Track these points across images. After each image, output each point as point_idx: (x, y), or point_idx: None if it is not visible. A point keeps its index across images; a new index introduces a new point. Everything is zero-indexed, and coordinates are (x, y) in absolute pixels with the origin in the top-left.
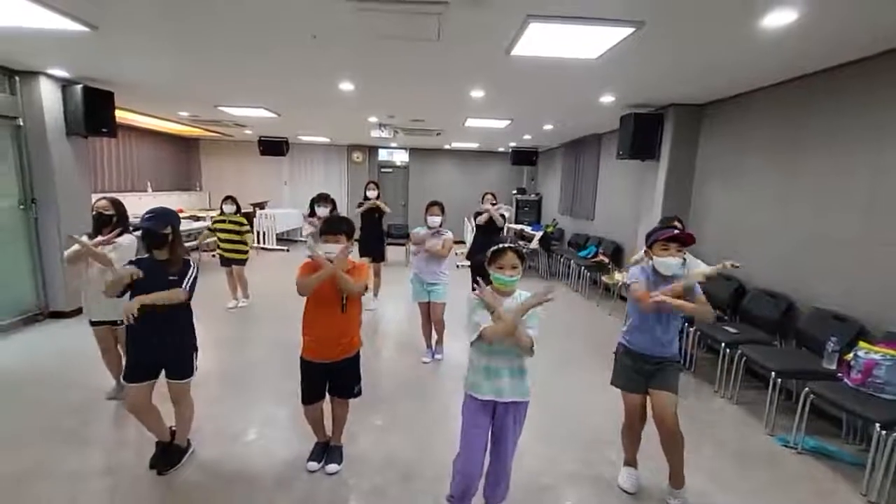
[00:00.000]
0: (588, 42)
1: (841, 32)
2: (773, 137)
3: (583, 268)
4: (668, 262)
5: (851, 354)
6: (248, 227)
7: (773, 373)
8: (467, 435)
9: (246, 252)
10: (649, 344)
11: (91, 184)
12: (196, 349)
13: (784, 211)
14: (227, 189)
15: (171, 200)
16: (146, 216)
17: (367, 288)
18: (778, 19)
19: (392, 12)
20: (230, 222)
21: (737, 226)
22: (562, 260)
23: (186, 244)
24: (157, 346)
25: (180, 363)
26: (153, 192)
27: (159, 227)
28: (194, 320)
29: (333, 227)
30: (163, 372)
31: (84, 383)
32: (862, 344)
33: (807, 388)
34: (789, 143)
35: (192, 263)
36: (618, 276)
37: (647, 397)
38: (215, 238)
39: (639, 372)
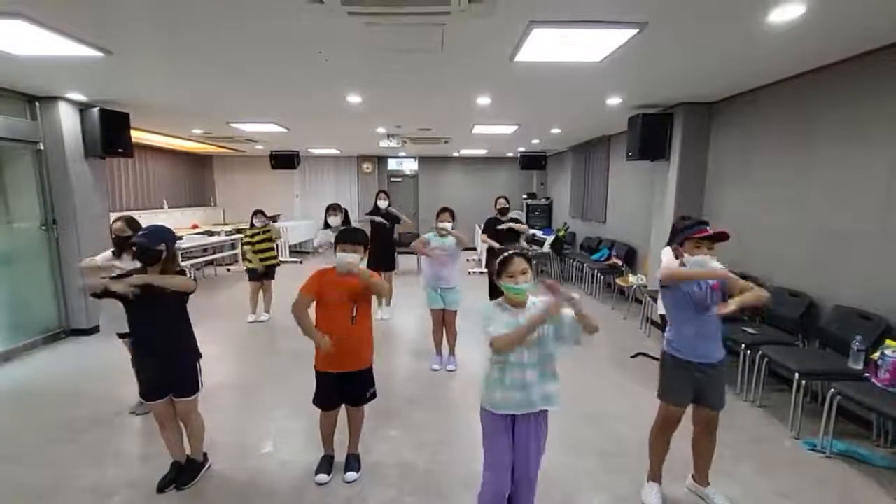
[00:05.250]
0: (592, 45)
1: (854, 23)
2: (787, 132)
3: (596, 271)
4: (701, 260)
5: (878, 353)
6: (272, 244)
7: (796, 374)
8: (494, 452)
9: (276, 259)
10: (698, 349)
11: (109, 203)
12: (199, 356)
13: (801, 207)
14: (241, 203)
15: (186, 216)
16: (141, 232)
17: (389, 293)
18: (785, 14)
19: (396, 25)
20: (263, 233)
21: (752, 223)
22: (574, 264)
23: (204, 258)
24: (161, 366)
25: (185, 381)
26: (169, 209)
27: (153, 243)
28: (211, 334)
29: (351, 237)
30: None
31: (106, 399)
32: (889, 342)
33: (833, 390)
34: (804, 138)
35: (186, 272)
36: (632, 278)
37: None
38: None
39: (690, 382)
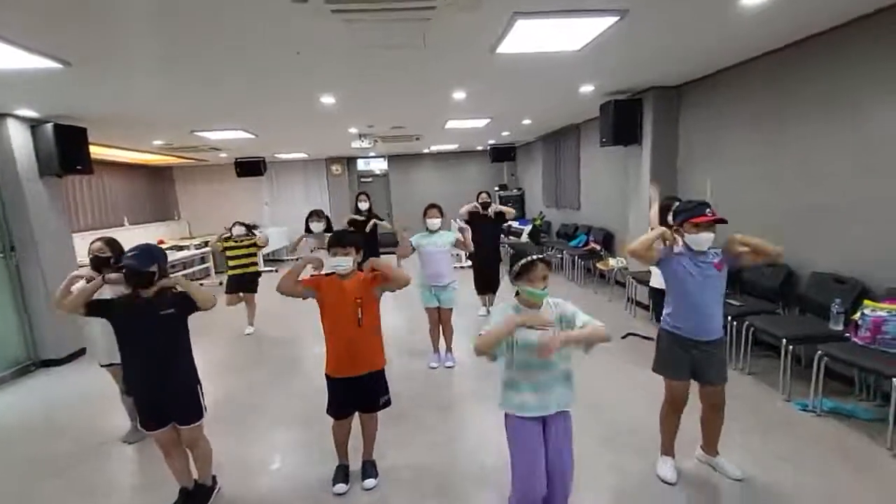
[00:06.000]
0: (572, 34)
1: (817, 3)
2: (754, 110)
3: (576, 257)
4: (701, 237)
5: (859, 314)
6: (256, 251)
7: (784, 340)
8: (524, 457)
9: (259, 275)
10: (697, 326)
11: (69, 224)
12: (200, 385)
13: (773, 182)
14: (207, 215)
15: (149, 232)
16: (130, 253)
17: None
18: None
19: (380, 21)
20: (241, 247)
21: (727, 200)
22: (553, 251)
23: (174, 274)
24: (160, 396)
25: (187, 408)
26: (130, 226)
27: (144, 264)
28: (197, 350)
29: (343, 240)
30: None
31: (89, 430)
32: (867, 302)
33: (819, 351)
34: (770, 115)
35: (183, 292)
36: (612, 261)
37: (691, 382)
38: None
39: (686, 358)
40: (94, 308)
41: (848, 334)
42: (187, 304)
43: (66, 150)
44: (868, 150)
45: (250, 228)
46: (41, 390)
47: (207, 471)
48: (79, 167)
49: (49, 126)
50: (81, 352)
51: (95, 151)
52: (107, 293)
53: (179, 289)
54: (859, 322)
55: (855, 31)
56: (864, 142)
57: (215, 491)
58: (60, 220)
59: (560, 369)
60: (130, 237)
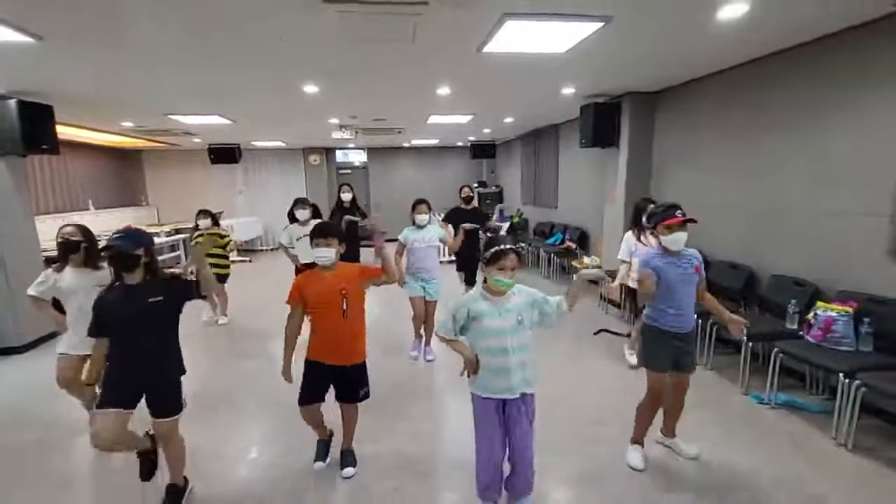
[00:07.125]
0: (558, 37)
1: (785, 22)
2: (724, 119)
3: (552, 255)
4: (676, 237)
5: (812, 314)
6: (229, 240)
7: (745, 338)
8: (483, 433)
9: (228, 267)
10: (680, 319)
11: (33, 206)
12: (184, 372)
13: (740, 188)
14: (176, 202)
15: (116, 218)
16: (115, 235)
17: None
18: (732, 11)
19: (370, 13)
20: (209, 236)
21: (696, 204)
22: (530, 249)
23: None
24: (143, 373)
25: (168, 398)
26: (95, 211)
27: (130, 247)
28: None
29: (325, 231)
30: (146, 410)
31: (60, 420)
32: (820, 303)
33: (776, 348)
34: (739, 124)
35: (181, 278)
36: (587, 259)
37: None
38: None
39: (669, 350)
40: (101, 331)
41: (802, 332)
42: (182, 291)
43: (31, 128)
44: (825, 162)
45: (216, 219)
46: (3, 380)
47: (180, 471)
48: (44, 147)
49: (13, 102)
50: (43, 339)
51: (60, 131)
52: (67, 279)
53: (175, 273)
54: (812, 321)
55: (819, 49)
56: (822, 155)
57: (188, 491)
58: (23, 202)
59: (518, 356)
60: (95, 222)
